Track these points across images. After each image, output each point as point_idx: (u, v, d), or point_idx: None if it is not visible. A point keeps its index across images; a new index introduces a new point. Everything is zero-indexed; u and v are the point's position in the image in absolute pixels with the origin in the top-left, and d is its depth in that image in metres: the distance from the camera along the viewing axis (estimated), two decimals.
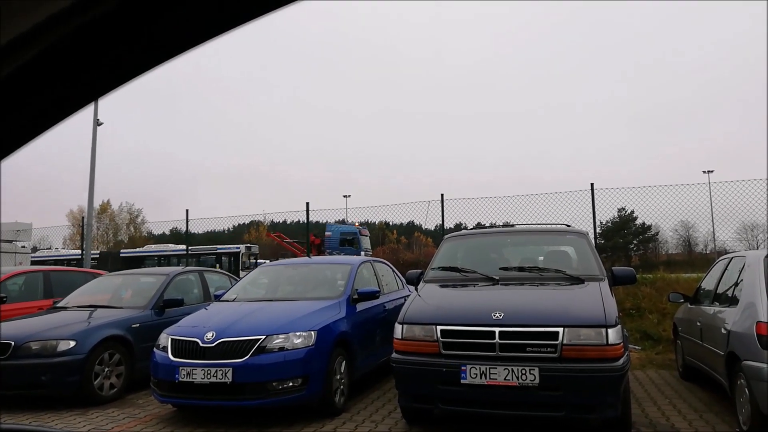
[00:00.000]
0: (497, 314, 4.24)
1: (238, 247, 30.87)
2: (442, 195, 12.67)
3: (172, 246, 32.44)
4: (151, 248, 32.61)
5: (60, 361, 5.76)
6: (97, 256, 31.96)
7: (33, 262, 31.52)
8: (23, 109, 0.49)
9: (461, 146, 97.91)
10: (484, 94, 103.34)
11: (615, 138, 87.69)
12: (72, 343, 5.88)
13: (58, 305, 7.33)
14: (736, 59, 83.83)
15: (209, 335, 5.11)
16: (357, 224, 17.29)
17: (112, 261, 29.33)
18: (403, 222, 31.37)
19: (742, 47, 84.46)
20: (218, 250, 30.76)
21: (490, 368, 4.06)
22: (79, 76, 0.48)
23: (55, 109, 0.50)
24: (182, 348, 5.15)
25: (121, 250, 34.08)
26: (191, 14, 0.45)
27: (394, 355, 4.52)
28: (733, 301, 4.84)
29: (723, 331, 4.71)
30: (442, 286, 5.21)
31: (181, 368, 5.01)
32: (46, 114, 0.51)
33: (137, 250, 34.04)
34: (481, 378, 4.07)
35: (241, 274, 23.63)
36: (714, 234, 19.38)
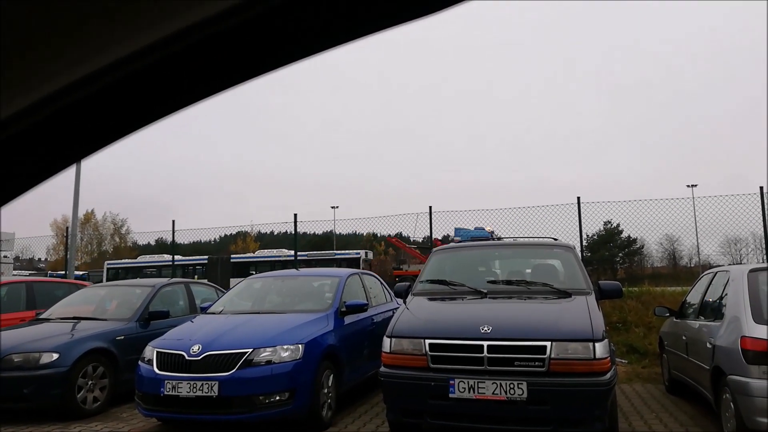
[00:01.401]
0: (485, 328, 4.24)
1: (358, 253, 29.93)
2: (430, 207, 12.74)
3: (285, 251, 31.33)
4: (263, 253, 31.26)
5: (42, 374, 5.66)
6: (206, 261, 30.86)
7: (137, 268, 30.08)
8: (28, 158, 0.52)
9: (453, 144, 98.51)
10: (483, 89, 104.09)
11: (610, 137, 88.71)
12: (55, 356, 5.79)
13: (41, 317, 7.23)
14: (733, 60, 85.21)
15: (195, 348, 5.06)
16: (488, 228, 16.43)
17: (222, 266, 28.33)
18: (392, 233, 31.46)
19: (740, 47, 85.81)
20: (337, 256, 29.82)
21: (478, 382, 4.06)
22: (78, 133, 0.52)
23: (60, 158, 0.54)
24: (168, 361, 5.10)
25: (232, 256, 32.64)
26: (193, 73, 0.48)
27: (382, 368, 4.50)
28: (718, 315, 4.89)
29: (708, 345, 4.75)
30: (430, 300, 5.21)
31: (166, 381, 4.95)
32: (50, 164, 0.54)
33: (247, 255, 32.46)
34: (469, 392, 4.06)
35: None
36: (698, 248, 19.65)
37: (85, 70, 0.44)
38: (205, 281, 12.56)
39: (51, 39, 0.42)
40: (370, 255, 30.67)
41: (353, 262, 28.24)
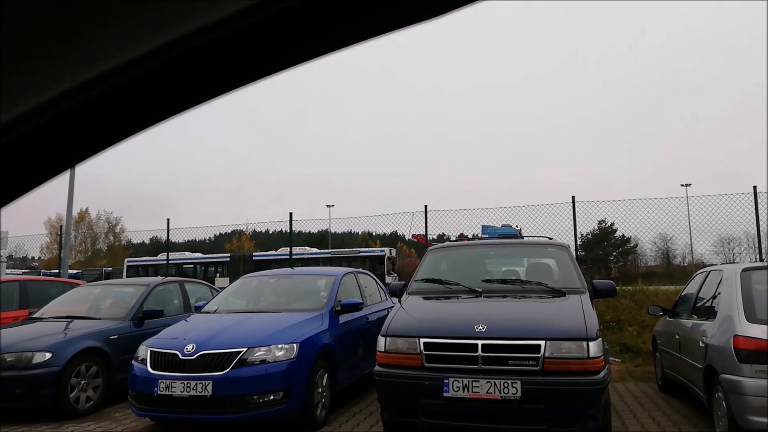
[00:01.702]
0: (480, 327, 4.25)
1: (383, 250, 28.71)
2: (425, 206, 12.78)
3: (309, 249, 30.51)
4: (286, 251, 31.02)
5: (35, 374, 5.63)
6: (228, 259, 30.29)
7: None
8: (30, 159, 0.53)
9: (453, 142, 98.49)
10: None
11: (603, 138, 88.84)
12: (48, 355, 5.75)
13: (34, 316, 7.19)
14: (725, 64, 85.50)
15: (189, 347, 5.04)
16: (516, 226, 15.93)
17: (244, 264, 27.74)
18: (387, 232, 31.40)
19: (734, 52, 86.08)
20: (361, 253, 28.79)
21: (472, 381, 4.07)
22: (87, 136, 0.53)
23: (64, 159, 0.54)
24: (161, 360, 5.08)
25: (254, 254, 31.67)
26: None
27: (377, 367, 4.50)
28: (710, 314, 4.91)
29: (701, 344, 4.77)
30: (425, 299, 5.21)
31: (160, 381, 4.94)
32: (50, 167, 0.54)
33: (270, 253, 31.00)
34: (463, 391, 4.07)
35: (387, 279, 22.37)
36: (692, 247, 19.75)
37: (85, 75, 0.45)
38: (200, 280, 12.43)
39: (51, 45, 0.42)
40: (394, 252, 30.17)
41: (378, 260, 27.57)
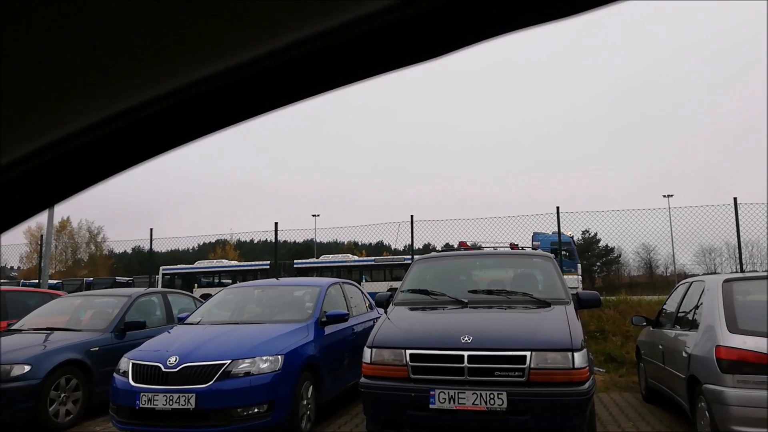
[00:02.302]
0: (466, 338, 4.25)
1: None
2: (411, 216, 12.80)
3: (351, 257, 29.67)
4: (328, 258, 29.16)
5: (14, 387, 5.51)
6: (267, 266, 28.37)
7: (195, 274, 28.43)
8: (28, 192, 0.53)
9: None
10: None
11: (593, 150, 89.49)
12: (27, 368, 5.64)
13: (13, 327, 7.05)
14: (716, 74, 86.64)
15: (172, 359, 4.97)
16: (569, 233, 15.02)
17: (284, 271, 26.68)
18: (372, 242, 31.23)
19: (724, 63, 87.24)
20: (406, 261, 27.35)
21: (458, 393, 4.06)
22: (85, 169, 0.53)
23: (60, 190, 0.54)
24: (144, 373, 5.00)
25: (295, 261, 29.88)
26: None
27: (362, 379, 4.48)
28: (693, 324, 4.96)
29: (684, 354, 4.82)
30: (411, 309, 5.20)
31: (142, 394, 4.86)
32: (48, 197, 0.55)
33: (311, 261, 29.95)
34: (449, 402, 4.06)
35: None
36: (674, 257, 20.01)
37: (80, 123, 0.45)
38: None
39: (58, 86, 0.42)
40: None
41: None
